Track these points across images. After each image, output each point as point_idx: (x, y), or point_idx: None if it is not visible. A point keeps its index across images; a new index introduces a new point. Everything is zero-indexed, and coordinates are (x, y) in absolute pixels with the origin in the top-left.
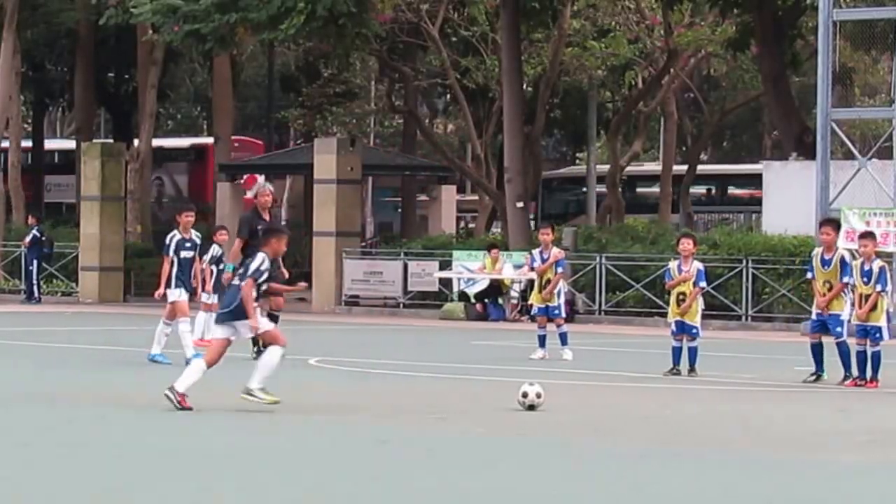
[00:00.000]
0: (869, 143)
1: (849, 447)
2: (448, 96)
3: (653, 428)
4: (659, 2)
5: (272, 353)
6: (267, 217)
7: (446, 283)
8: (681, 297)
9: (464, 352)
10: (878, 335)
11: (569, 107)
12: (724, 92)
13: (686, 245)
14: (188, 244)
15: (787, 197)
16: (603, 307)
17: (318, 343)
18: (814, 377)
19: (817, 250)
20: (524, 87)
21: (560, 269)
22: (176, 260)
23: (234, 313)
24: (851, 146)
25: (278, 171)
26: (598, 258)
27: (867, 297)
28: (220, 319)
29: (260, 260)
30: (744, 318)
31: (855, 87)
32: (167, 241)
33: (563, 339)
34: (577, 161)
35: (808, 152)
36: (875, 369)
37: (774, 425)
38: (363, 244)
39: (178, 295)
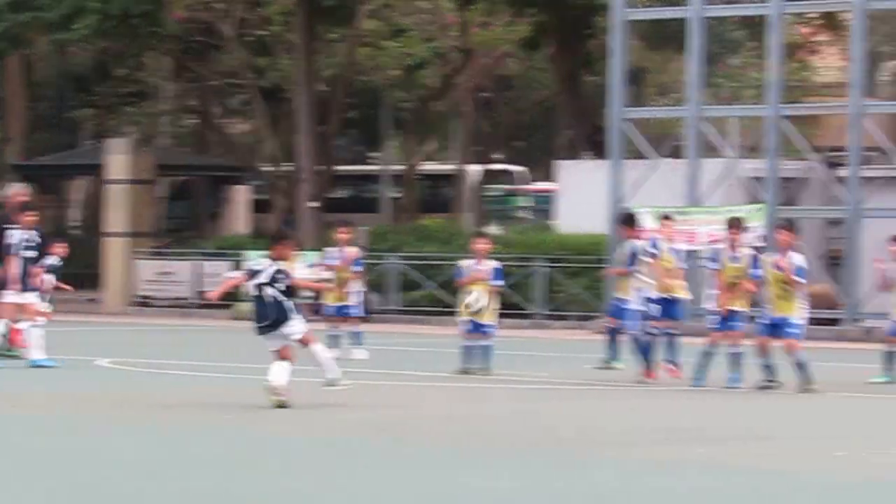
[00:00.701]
0: (661, 142)
1: (643, 444)
2: (243, 96)
3: (446, 427)
4: (454, 1)
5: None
6: (21, 218)
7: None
8: (472, 294)
9: (255, 351)
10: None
11: (364, 106)
12: (519, 91)
13: (480, 244)
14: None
15: (581, 196)
16: (397, 306)
17: (105, 343)
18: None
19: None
20: (320, 86)
21: (357, 268)
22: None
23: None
24: (644, 145)
25: (69, 171)
26: (391, 257)
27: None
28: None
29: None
30: (536, 316)
31: (648, 86)
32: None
33: (358, 338)
34: (372, 160)
35: (601, 151)
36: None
37: (568, 423)
38: (155, 245)
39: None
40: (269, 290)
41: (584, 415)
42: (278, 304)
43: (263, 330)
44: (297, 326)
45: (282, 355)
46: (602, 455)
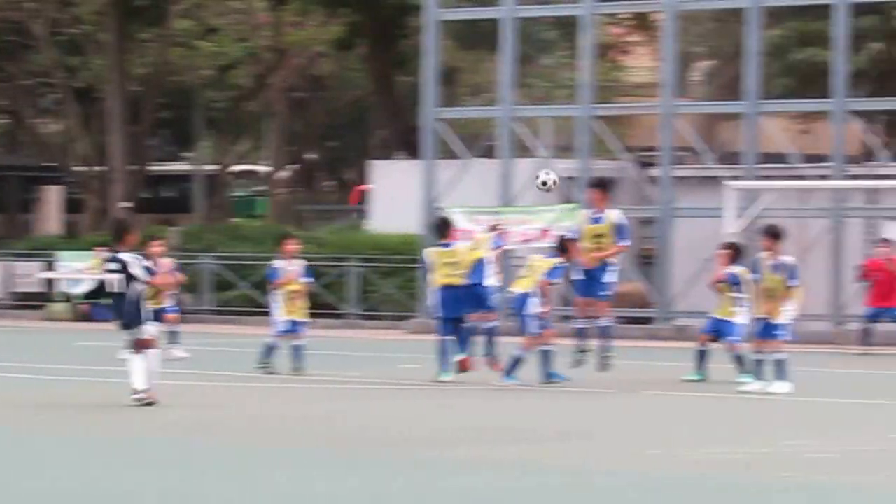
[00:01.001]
0: (475, 141)
1: (454, 443)
2: (56, 95)
3: (258, 427)
4: (267, 1)
5: None
6: None
7: (52, 284)
8: (293, 295)
9: (66, 353)
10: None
11: (176, 106)
12: (332, 91)
13: (290, 245)
14: None
15: (394, 195)
16: (209, 306)
17: None
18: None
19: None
20: (132, 86)
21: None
22: None
23: None
24: (457, 145)
25: None
26: (204, 257)
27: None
28: None
29: None
30: (349, 316)
31: (461, 86)
32: None
33: (175, 337)
34: (185, 160)
35: (414, 151)
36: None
37: (380, 423)
38: None
39: None
40: (136, 286)
41: (395, 415)
42: (137, 301)
43: (126, 326)
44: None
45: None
46: (413, 455)
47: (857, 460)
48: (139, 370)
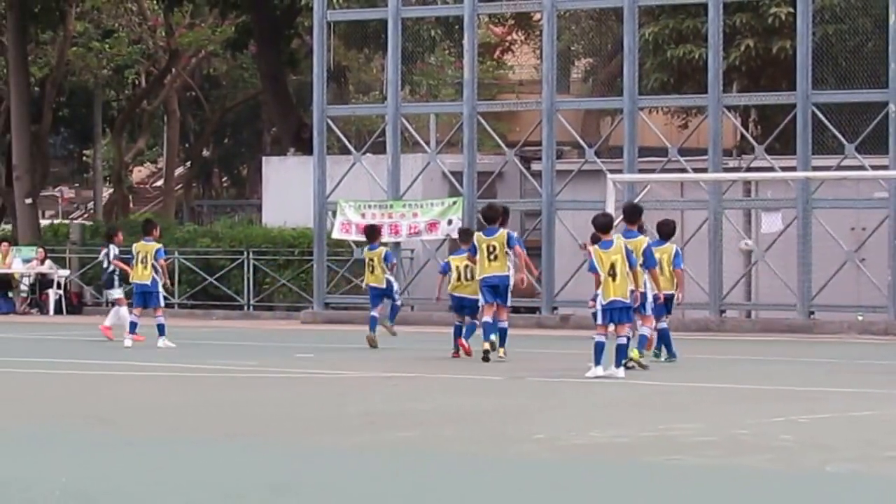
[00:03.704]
0: (364, 138)
1: (348, 430)
2: None
3: (156, 416)
4: (160, 4)
5: None
6: None
7: None
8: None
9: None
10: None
11: (75, 105)
12: (225, 90)
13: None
14: None
15: (287, 191)
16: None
17: None
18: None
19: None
20: (32, 86)
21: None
22: None
23: None
24: (347, 142)
25: None
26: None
27: None
28: None
29: None
30: (246, 307)
31: (350, 84)
32: None
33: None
34: (85, 158)
35: (305, 148)
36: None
37: (278, 410)
38: None
39: None
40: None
41: (295, 402)
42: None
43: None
44: None
45: None
46: (313, 441)
47: (738, 443)
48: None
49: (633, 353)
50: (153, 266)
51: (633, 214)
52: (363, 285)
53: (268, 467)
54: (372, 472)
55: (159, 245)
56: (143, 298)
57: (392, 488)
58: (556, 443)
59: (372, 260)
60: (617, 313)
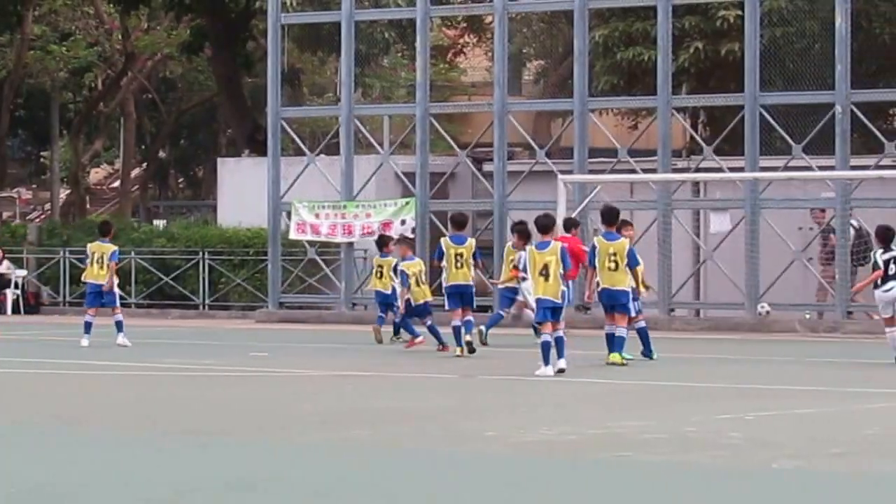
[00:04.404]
0: (318, 139)
1: (302, 428)
2: None
3: (114, 414)
4: (117, 7)
5: None
6: None
7: None
8: None
9: None
10: None
11: (33, 107)
12: (181, 92)
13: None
14: None
15: (242, 191)
16: (67, 298)
17: None
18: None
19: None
20: None
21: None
22: None
23: None
24: (301, 143)
25: None
26: (62, 252)
27: None
28: None
29: None
30: (202, 306)
31: (304, 86)
32: None
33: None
34: (42, 159)
35: (260, 149)
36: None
37: (234, 408)
38: None
39: None
40: None
41: (250, 399)
42: None
43: None
44: None
45: None
46: (268, 438)
47: (686, 440)
48: None
49: (615, 356)
50: (108, 266)
51: (610, 217)
52: (367, 287)
53: (223, 464)
54: (325, 468)
55: (115, 247)
56: (97, 298)
57: (345, 484)
58: (507, 440)
59: (381, 267)
60: (550, 312)
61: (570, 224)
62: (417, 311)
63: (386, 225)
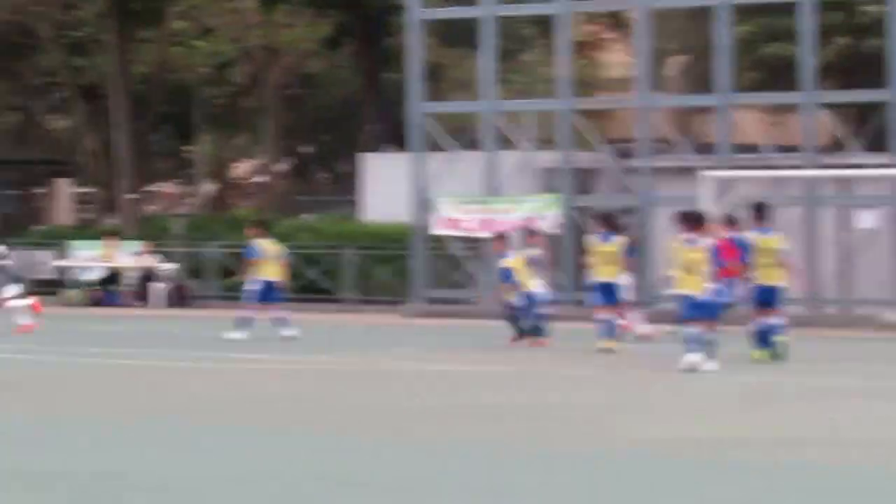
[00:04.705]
0: (460, 135)
1: (450, 422)
2: (63, 94)
3: (265, 408)
4: (258, 2)
5: None
6: None
7: (65, 271)
8: None
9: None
10: None
11: (176, 103)
12: (323, 88)
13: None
14: None
15: (384, 187)
16: (216, 292)
17: None
18: None
19: None
20: (134, 84)
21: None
22: None
23: None
24: (443, 138)
25: None
26: (209, 245)
27: None
28: None
29: None
30: (347, 301)
31: (446, 82)
32: None
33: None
34: (186, 155)
35: (402, 144)
36: None
37: (374, 402)
38: None
39: None
40: None
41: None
42: None
43: None
44: None
45: None
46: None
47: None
48: None
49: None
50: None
51: (762, 212)
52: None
53: (356, 460)
54: (471, 468)
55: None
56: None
57: (502, 485)
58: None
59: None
60: (696, 308)
61: (730, 220)
62: (531, 301)
63: (528, 220)
